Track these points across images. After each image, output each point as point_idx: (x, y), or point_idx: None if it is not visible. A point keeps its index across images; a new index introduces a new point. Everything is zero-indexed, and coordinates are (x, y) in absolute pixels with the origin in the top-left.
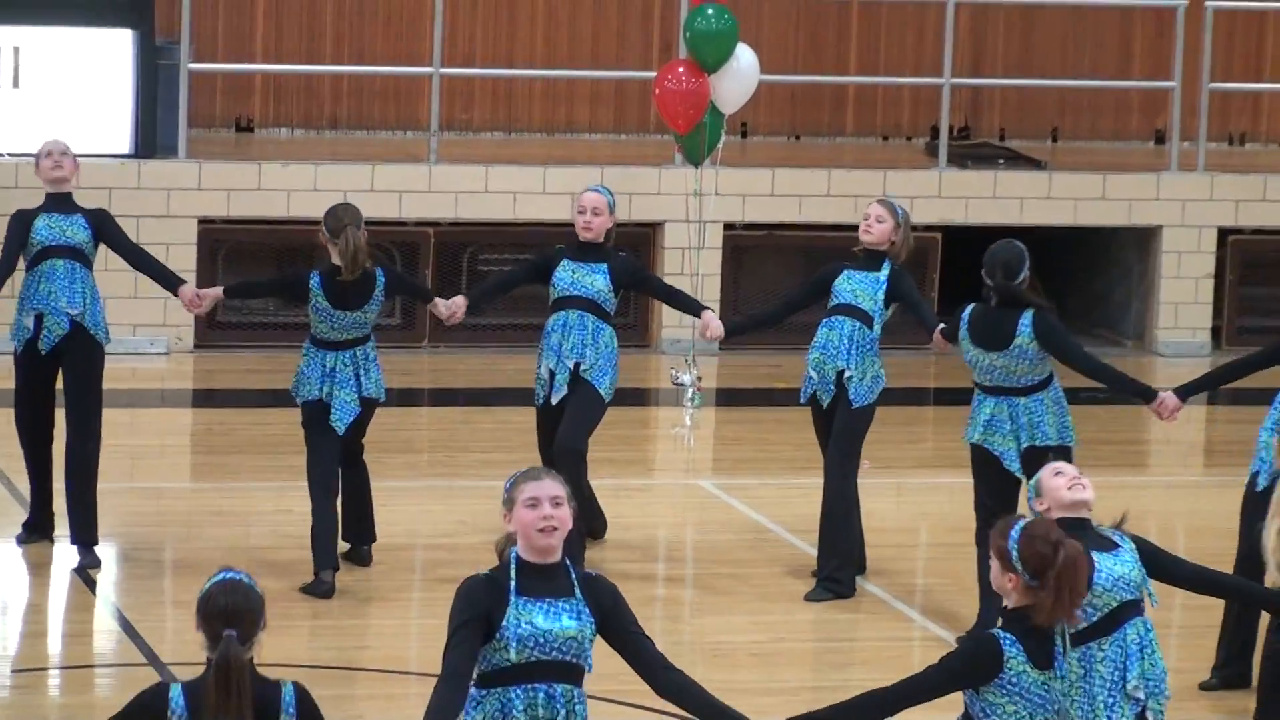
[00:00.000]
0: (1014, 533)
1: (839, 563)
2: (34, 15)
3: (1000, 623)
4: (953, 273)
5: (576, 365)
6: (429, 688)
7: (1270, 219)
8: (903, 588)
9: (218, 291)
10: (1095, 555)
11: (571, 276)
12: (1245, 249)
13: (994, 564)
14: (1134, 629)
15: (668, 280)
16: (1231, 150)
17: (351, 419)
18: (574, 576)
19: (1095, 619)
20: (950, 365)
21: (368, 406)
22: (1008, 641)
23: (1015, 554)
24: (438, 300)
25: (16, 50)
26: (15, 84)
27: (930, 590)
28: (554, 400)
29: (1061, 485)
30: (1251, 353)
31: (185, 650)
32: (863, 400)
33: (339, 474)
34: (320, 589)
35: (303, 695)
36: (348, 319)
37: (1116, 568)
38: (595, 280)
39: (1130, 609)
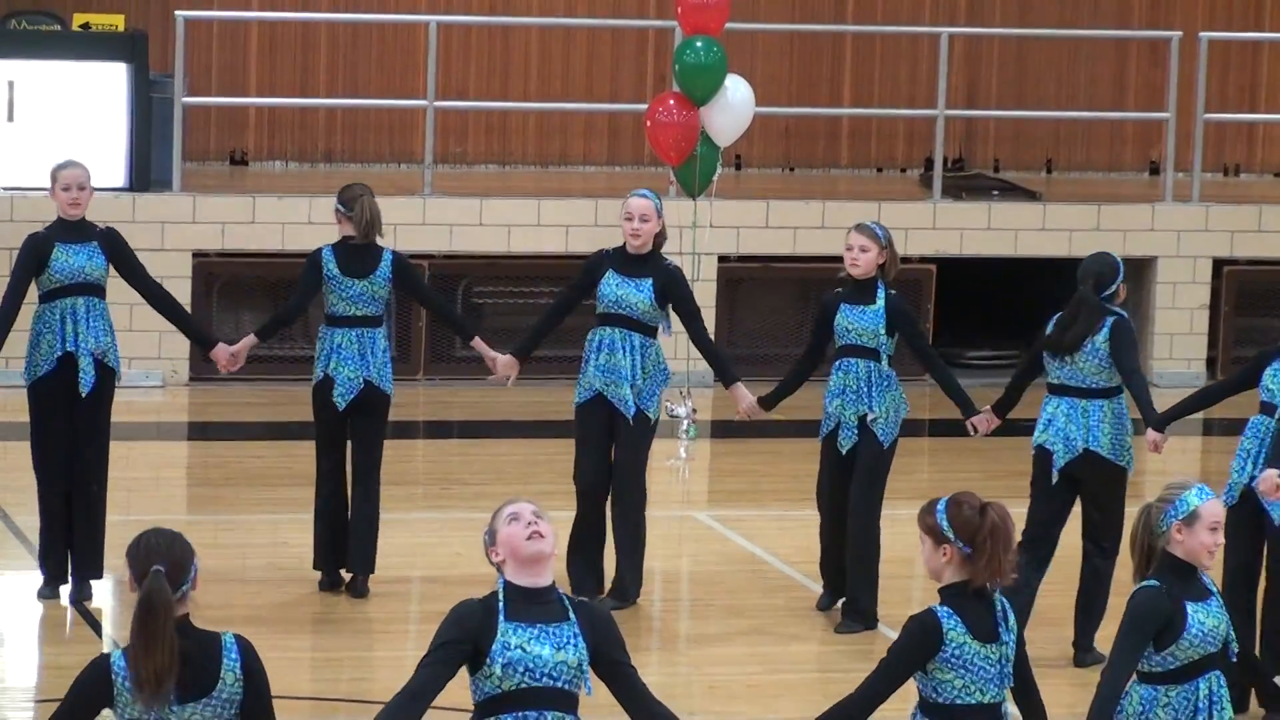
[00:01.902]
0: (940, 506)
1: (870, 597)
2: (29, 49)
3: (939, 600)
4: (947, 304)
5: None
6: None
7: (1265, 250)
8: (897, 619)
9: (250, 340)
10: (1189, 606)
11: (616, 292)
12: (1240, 280)
13: (926, 545)
14: (1207, 683)
15: None
16: (1226, 181)
17: (354, 395)
18: (567, 602)
19: (1174, 667)
20: (946, 397)
21: (373, 394)
22: (944, 614)
23: (945, 523)
24: (481, 345)
25: (11, 84)
26: (10, 118)
27: None
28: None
29: (1208, 544)
30: (1225, 378)
31: None
32: (889, 437)
33: (345, 464)
34: (321, 585)
35: (245, 646)
36: (357, 288)
37: (1208, 620)
38: (638, 299)
39: (1210, 662)
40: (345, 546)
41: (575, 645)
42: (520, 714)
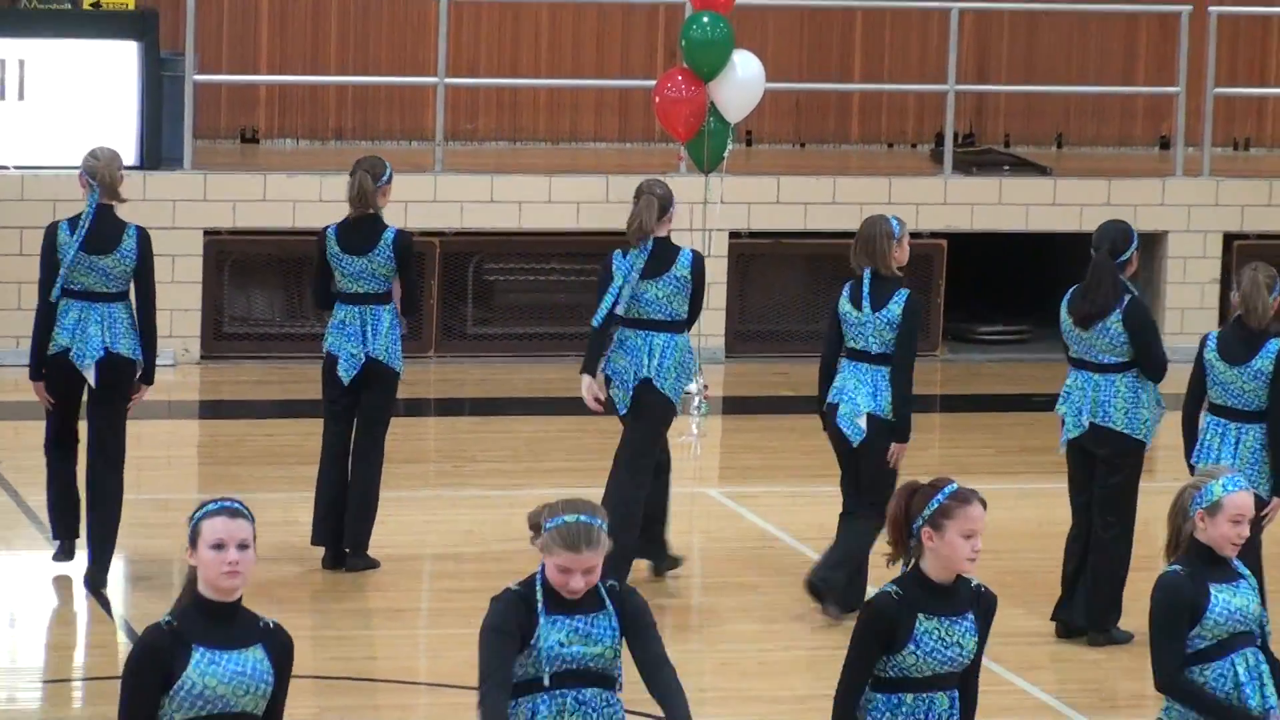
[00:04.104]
0: None
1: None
2: (39, 28)
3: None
4: (958, 280)
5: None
6: (439, 698)
7: (1276, 224)
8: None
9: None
10: (1212, 587)
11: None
12: (1251, 254)
13: None
14: (1243, 659)
15: None
16: (1236, 155)
17: (356, 371)
18: (602, 591)
19: (1202, 647)
20: (957, 372)
21: (377, 369)
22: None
23: None
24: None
25: (22, 63)
26: (21, 96)
27: None
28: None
29: (1230, 535)
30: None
31: None
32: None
33: (349, 442)
34: (324, 563)
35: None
36: (356, 265)
37: (1234, 599)
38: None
39: (1243, 640)
40: (339, 522)
41: (612, 634)
42: (558, 692)
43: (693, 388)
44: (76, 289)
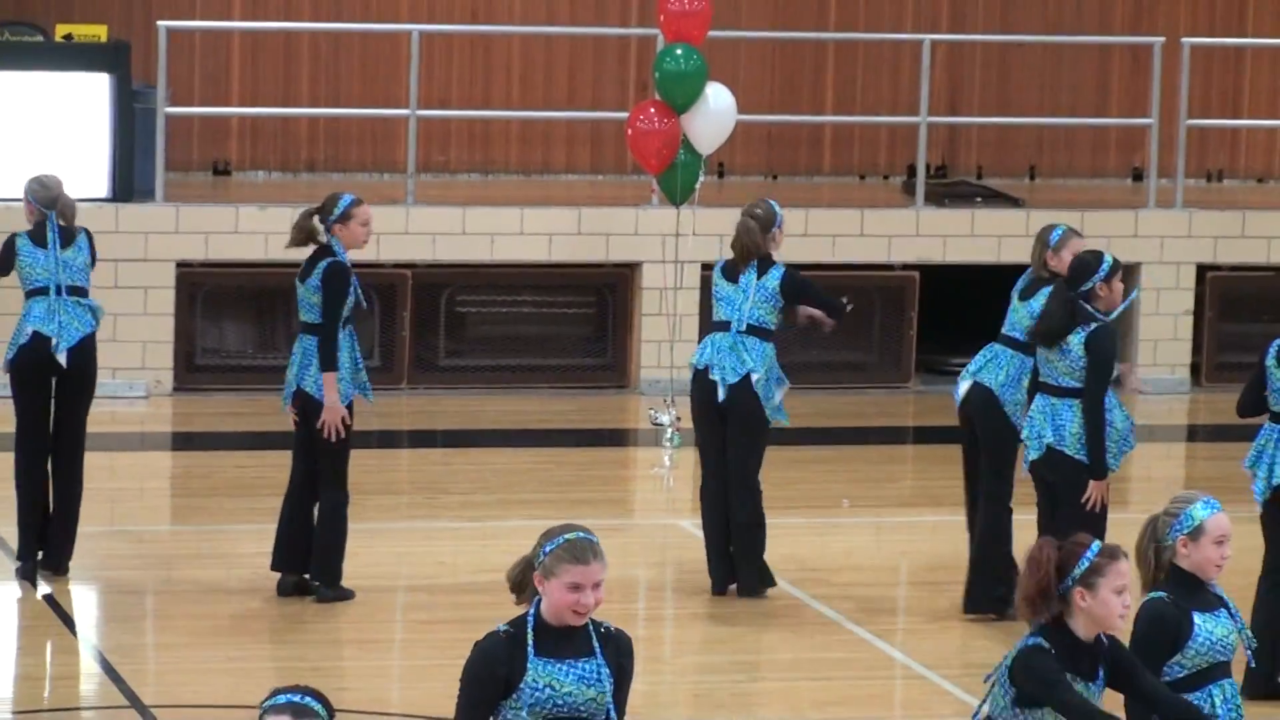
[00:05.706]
0: None
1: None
2: (12, 60)
3: None
4: (931, 312)
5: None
6: None
7: (1248, 255)
8: (883, 626)
9: None
10: (1196, 615)
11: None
12: (1224, 285)
13: None
14: (1220, 690)
15: (645, 320)
16: (1209, 187)
17: (289, 398)
18: (594, 635)
19: (1181, 676)
20: (930, 404)
21: (309, 402)
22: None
23: None
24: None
25: None
26: None
27: (910, 629)
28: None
29: (1214, 558)
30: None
31: (167, 693)
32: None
33: (305, 473)
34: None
35: None
36: (299, 293)
37: (1216, 630)
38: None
39: (1221, 670)
40: (294, 550)
41: (602, 679)
42: None
43: (665, 419)
44: (42, 286)
